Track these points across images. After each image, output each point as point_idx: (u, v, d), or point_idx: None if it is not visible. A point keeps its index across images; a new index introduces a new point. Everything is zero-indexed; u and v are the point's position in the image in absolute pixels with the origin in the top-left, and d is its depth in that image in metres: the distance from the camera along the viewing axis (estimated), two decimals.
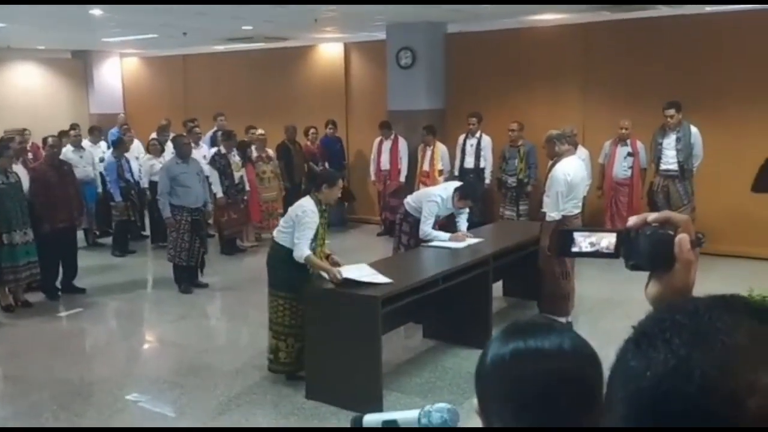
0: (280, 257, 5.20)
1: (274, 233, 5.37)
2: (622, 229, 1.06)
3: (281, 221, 5.45)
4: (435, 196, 6.26)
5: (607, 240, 1.09)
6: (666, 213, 1.04)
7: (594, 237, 1.10)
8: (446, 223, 6.75)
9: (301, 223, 5.03)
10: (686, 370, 0.65)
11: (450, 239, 6.15)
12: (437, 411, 1.47)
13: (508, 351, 1.06)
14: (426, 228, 6.18)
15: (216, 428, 4.72)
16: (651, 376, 0.67)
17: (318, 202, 5.16)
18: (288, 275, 5.14)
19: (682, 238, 1.00)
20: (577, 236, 1.12)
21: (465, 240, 6.17)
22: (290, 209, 5.30)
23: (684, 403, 0.64)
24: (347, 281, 4.86)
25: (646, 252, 1.02)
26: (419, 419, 1.49)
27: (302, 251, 4.98)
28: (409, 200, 6.57)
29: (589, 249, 1.10)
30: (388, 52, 10.56)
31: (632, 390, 0.69)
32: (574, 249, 1.12)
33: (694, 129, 8.13)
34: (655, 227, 1.02)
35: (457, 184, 6.61)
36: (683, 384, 0.65)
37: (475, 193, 6.50)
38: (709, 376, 0.64)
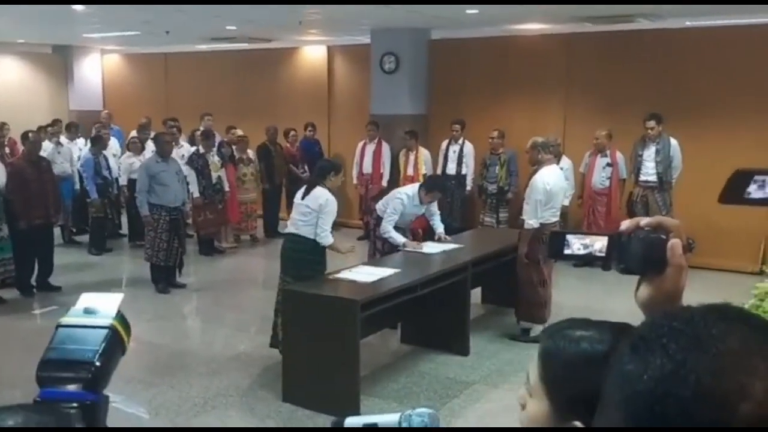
0: (301, 248, 5.48)
1: (291, 227, 5.60)
2: (614, 233, 1.06)
3: (297, 214, 5.59)
4: (401, 194, 6.30)
5: (600, 243, 1.09)
6: (658, 218, 1.05)
7: (587, 239, 1.10)
8: (427, 227, 6.77)
9: (325, 212, 5.42)
10: (682, 374, 0.67)
11: (405, 245, 6.15)
12: (418, 415, 1.47)
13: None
14: (386, 225, 6.20)
15: (208, 428, 4.68)
16: (647, 380, 0.69)
17: (328, 191, 5.49)
18: (301, 266, 5.42)
19: (675, 243, 1.01)
20: (571, 239, 1.12)
21: (419, 248, 6.14)
22: (305, 202, 5.49)
23: (679, 407, 0.66)
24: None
25: (638, 255, 1.02)
26: (400, 422, 1.49)
27: (329, 238, 5.45)
28: (379, 206, 6.57)
29: (582, 252, 1.11)
30: (372, 56, 10.58)
31: (628, 393, 0.71)
32: (567, 251, 1.12)
33: (673, 141, 8.24)
34: (648, 231, 1.03)
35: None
36: (679, 388, 0.67)
37: (438, 184, 6.49)
38: (703, 381, 0.66)
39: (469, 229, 8.46)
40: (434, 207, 6.54)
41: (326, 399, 4.72)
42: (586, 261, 1.12)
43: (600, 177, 8.73)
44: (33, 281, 7.64)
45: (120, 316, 1.07)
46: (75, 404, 1.00)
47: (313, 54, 12.15)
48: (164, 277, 7.82)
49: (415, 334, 6.10)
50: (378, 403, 5.00)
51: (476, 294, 6.97)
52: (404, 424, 1.48)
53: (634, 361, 0.72)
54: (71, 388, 1.00)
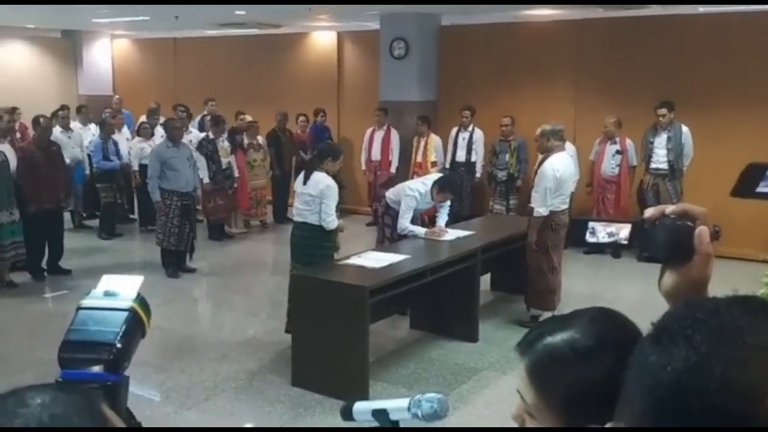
0: (309, 235, 5.54)
1: (296, 216, 5.67)
2: (638, 220, 1.05)
3: (301, 203, 5.62)
4: (413, 191, 6.20)
5: (625, 231, 1.08)
6: (684, 205, 1.03)
7: (613, 227, 1.09)
8: (433, 216, 6.76)
9: (327, 196, 5.45)
10: (707, 367, 0.66)
11: (426, 234, 6.15)
12: (427, 400, 1.47)
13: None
14: (403, 222, 6.14)
15: (215, 428, 4.71)
16: (671, 371, 0.68)
17: (326, 174, 5.54)
18: (312, 252, 5.47)
19: (702, 230, 0.99)
20: (595, 226, 1.11)
21: (442, 235, 6.15)
22: (306, 189, 5.53)
23: (703, 400, 0.65)
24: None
25: (663, 243, 1.01)
26: (409, 408, 1.49)
27: (334, 222, 5.51)
28: (390, 194, 6.53)
29: (606, 239, 1.10)
30: (382, 42, 10.53)
31: (650, 385, 0.70)
32: (591, 239, 1.11)
33: (685, 128, 8.19)
34: (674, 219, 1.01)
35: (436, 176, 6.59)
36: (703, 380, 0.66)
37: (452, 186, 6.44)
38: (729, 373, 0.65)
39: (478, 216, 8.45)
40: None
41: (335, 383, 4.74)
42: (612, 247, 1.10)
43: (609, 164, 8.69)
44: (43, 265, 7.68)
45: (140, 299, 1.09)
46: (96, 385, 1.01)
47: (322, 40, 12.12)
48: (174, 262, 7.85)
49: (424, 320, 6.11)
50: (387, 388, 5.02)
51: (486, 280, 6.97)
52: (413, 409, 1.48)
53: (657, 352, 0.71)
54: (93, 369, 1.01)
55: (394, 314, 6.08)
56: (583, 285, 7.20)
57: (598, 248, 1.43)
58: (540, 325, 1.15)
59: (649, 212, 1.03)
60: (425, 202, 6.30)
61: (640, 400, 0.71)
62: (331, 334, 4.82)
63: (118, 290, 1.07)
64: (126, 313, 1.05)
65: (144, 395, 5.02)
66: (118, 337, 1.02)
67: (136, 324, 1.06)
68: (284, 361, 5.26)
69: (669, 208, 1.02)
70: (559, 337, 1.09)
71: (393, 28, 10.37)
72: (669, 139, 8.18)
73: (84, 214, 10.27)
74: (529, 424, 1.13)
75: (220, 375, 5.29)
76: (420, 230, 6.19)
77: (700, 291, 0.99)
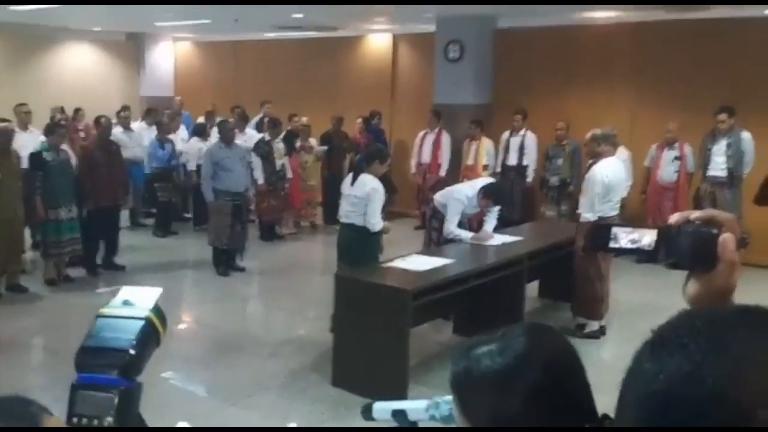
0: (356, 236, 5.63)
1: (344, 218, 5.77)
2: (663, 226, 1.02)
3: (348, 205, 5.72)
4: (461, 194, 6.18)
5: (649, 237, 1.04)
6: (710, 211, 1.01)
7: (636, 234, 1.05)
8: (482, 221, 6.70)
9: (373, 199, 5.54)
10: (699, 376, 0.65)
11: (472, 239, 6.10)
12: (445, 403, 1.47)
13: None
14: (450, 227, 6.10)
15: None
16: (663, 380, 0.67)
17: (373, 177, 5.62)
18: (357, 253, 5.56)
19: (727, 238, 0.96)
20: (618, 232, 1.07)
21: (487, 240, 6.09)
22: (353, 191, 5.63)
23: (694, 409, 0.65)
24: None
25: (687, 250, 0.98)
26: (427, 409, 1.49)
27: (379, 223, 5.59)
28: (438, 197, 6.51)
29: (629, 246, 1.06)
30: (437, 44, 10.51)
31: (643, 392, 0.69)
32: (614, 245, 1.07)
33: (746, 135, 7.92)
34: (698, 225, 0.98)
35: (486, 181, 6.53)
36: (695, 390, 0.65)
37: (498, 194, 6.33)
38: (721, 384, 0.64)
39: (528, 221, 8.35)
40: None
41: (375, 386, 4.73)
42: (636, 254, 1.05)
43: (668, 170, 8.48)
44: (99, 260, 7.91)
45: (156, 309, 1.14)
46: (111, 390, 1.06)
47: (378, 42, 12.17)
48: (225, 261, 7.99)
49: (467, 326, 6.06)
50: (425, 392, 4.98)
51: (534, 287, 6.88)
52: (431, 411, 1.48)
53: (651, 360, 0.70)
54: (107, 374, 1.06)
55: (438, 318, 6.05)
56: (633, 294, 7.03)
57: (624, 255, 1.40)
58: (474, 338, 1.11)
59: (673, 218, 1.01)
60: (472, 206, 6.24)
61: (633, 408, 0.70)
62: (372, 336, 4.83)
63: (136, 300, 1.13)
64: (142, 322, 1.10)
65: (191, 390, 5.14)
66: (132, 345, 1.07)
67: (150, 333, 1.11)
68: (328, 361, 5.29)
69: (694, 214, 1.00)
70: (480, 351, 1.06)
71: (448, 30, 10.34)
72: (729, 145, 7.93)
73: (143, 212, 10.54)
74: None
75: (265, 373, 5.36)
76: (466, 235, 6.15)
77: (725, 300, 0.96)
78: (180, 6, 9.92)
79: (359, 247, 5.63)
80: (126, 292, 1.17)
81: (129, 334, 1.09)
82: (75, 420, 1.06)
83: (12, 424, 0.79)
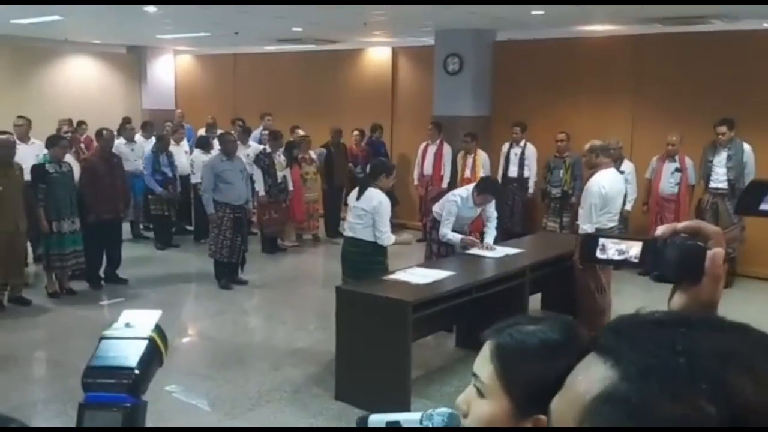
0: (361, 251, 5.64)
1: (348, 230, 5.77)
2: (649, 238, 1.01)
3: (353, 217, 5.72)
4: (455, 196, 6.23)
5: (636, 248, 1.03)
6: (698, 222, 1.00)
7: (623, 245, 1.04)
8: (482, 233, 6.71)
9: (380, 213, 5.56)
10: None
11: (463, 241, 6.12)
12: (439, 414, 1.51)
13: None
14: (444, 229, 6.14)
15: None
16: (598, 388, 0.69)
17: (380, 191, 5.65)
18: (363, 267, 5.54)
19: (717, 253, 0.96)
20: (605, 243, 1.07)
21: (475, 246, 6.10)
22: (359, 205, 5.63)
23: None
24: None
25: (673, 263, 0.98)
26: (421, 421, 1.52)
27: (390, 238, 5.63)
28: (436, 208, 6.53)
29: (616, 257, 1.05)
30: (436, 57, 10.56)
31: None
32: (602, 256, 1.06)
33: (747, 147, 7.94)
34: (685, 238, 0.98)
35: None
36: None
37: (491, 187, 6.36)
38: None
39: (530, 233, 8.36)
40: (491, 210, 6.39)
41: (377, 399, 4.72)
42: (622, 266, 1.08)
43: (668, 183, 8.50)
44: (101, 273, 7.92)
45: (158, 329, 1.18)
46: (117, 408, 1.09)
47: (377, 55, 12.23)
48: (227, 273, 7.99)
49: (470, 338, 6.05)
50: (428, 405, 4.92)
51: (537, 299, 6.88)
52: (425, 422, 1.51)
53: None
54: (114, 392, 1.09)
55: (440, 331, 6.05)
56: (635, 306, 6.92)
57: (612, 266, 1.42)
58: (514, 318, 1.24)
59: (660, 230, 1.00)
60: (467, 207, 6.24)
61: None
62: (374, 349, 4.83)
63: (138, 322, 1.18)
64: (145, 342, 1.14)
65: (193, 403, 5.14)
66: (137, 364, 1.11)
67: (154, 352, 1.15)
68: (330, 374, 5.29)
69: (680, 225, 0.99)
70: (531, 328, 1.19)
71: (447, 43, 10.40)
72: (729, 157, 7.95)
73: (142, 225, 10.54)
74: (475, 405, 1.21)
75: (266, 386, 5.36)
76: (456, 238, 6.13)
77: (710, 312, 0.96)
78: (180, 19, 9.98)
79: (364, 261, 5.63)
80: (127, 315, 1.22)
81: (134, 354, 1.12)
82: None
83: None
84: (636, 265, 1.04)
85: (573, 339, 1.15)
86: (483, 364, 1.20)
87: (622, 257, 1.05)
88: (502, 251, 6.18)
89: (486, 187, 6.24)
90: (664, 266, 0.99)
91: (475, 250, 6.13)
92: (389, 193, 5.78)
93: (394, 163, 6.54)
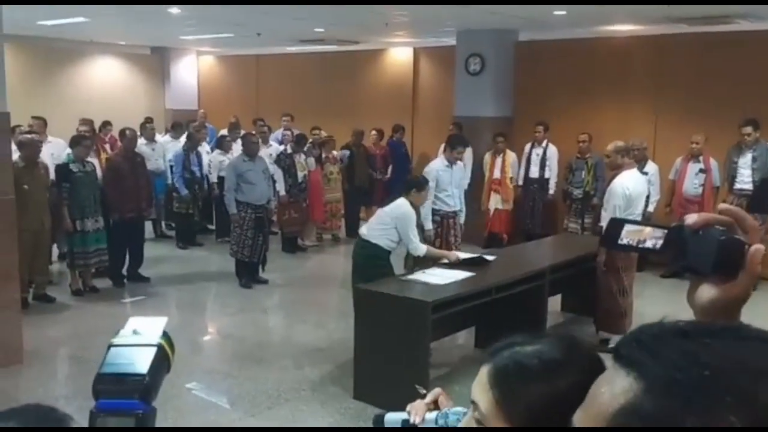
0: (370, 254, 5.63)
1: (364, 229, 5.79)
2: (675, 226, 0.97)
3: (375, 221, 5.78)
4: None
5: (660, 236, 0.99)
6: (737, 212, 0.94)
7: (647, 231, 1.01)
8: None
9: (403, 224, 5.59)
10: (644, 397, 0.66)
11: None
12: (454, 414, 1.51)
13: None
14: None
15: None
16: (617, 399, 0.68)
17: (410, 204, 5.71)
18: (371, 272, 5.48)
19: (759, 249, 0.91)
20: (630, 228, 1.03)
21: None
22: (385, 211, 5.73)
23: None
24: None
25: (709, 255, 0.92)
26: (436, 420, 1.53)
27: (419, 247, 5.68)
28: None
29: (640, 244, 1.01)
30: (458, 58, 10.54)
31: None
32: (625, 241, 1.03)
33: None
34: (724, 230, 0.92)
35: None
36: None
37: (457, 137, 6.62)
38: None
39: (551, 234, 8.31)
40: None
41: (395, 398, 4.67)
42: (643, 253, 1.04)
43: (692, 184, 8.40)
44: (124, 271, 8.00)
45: (166, 336, 1.19)
46: (128, 415, 1.10)
47: (399, 56, 12.23)
48: (248, 273, 8.04)
49: (489, 339, 5.96)
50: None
51: (557, 301, 6.85)
52: (440, 421, 1.52)
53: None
54: (125, 399, 1.10)
55: (460, 331, 6.04)
56: (656, 309, 6.92)
57: (633, 251, 1.38)
58: (510, 338, 1.18)
59: (692, 218, 0.94)
60: (445, 170, 6.69)
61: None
62: (392, 349, 4.83)
63: (145, 329, 1.19)
64: (154, 349, 1.14)
65: (213, 400, 5.18)
66: (147, 370, 1.12)
67: (163, 359, 1.16)
68: (348, 373, 5.30)
69: (715, 216, 0.94)
70: (528, 348, 1.13)
71: (469, 43, 10.37)
72: (754, 158, 7.86)
73: (165, 224, 10.63)
74: None
75: (285, 384, 5.38)
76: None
77: (736, 309, 0.94)
78: (203, 20, 10.06)
79: (373, 266, 5.57)
80: (134, 322, 1.23)
81: (144, 361, 1.13)
82: None
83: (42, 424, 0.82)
84: (658, 253, 1.01)
85: (573, 357, 1.12)
86: (481, 392, 1.13)
87: (644, 245, 1.01)
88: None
89: (456, 142, 6.44)
90: (695, 257, 0.94)
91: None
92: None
93: (426, 179, 6.41)
